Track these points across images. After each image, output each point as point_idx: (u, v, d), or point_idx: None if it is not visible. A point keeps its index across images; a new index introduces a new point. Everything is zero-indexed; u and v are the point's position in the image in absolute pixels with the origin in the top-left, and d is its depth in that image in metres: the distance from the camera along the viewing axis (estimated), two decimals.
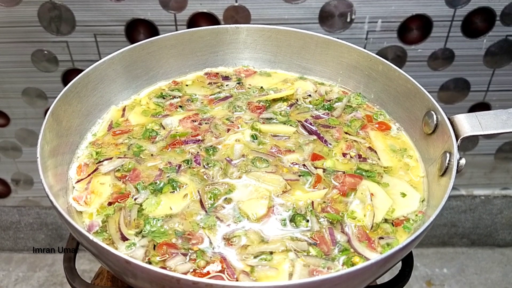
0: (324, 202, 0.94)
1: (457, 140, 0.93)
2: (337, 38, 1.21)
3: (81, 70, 1.08)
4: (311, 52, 1.25)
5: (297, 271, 0.82)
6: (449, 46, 1.63)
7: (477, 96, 1.78)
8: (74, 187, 0.98)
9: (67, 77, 1.66)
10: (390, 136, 1.12)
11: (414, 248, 0.85)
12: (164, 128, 1.11)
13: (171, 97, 1.21)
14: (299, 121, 1.13)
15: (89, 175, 1.00)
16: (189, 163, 1.01)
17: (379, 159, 1.05)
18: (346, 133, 1.10)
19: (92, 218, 0.92)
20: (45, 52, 1.60)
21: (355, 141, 1.08)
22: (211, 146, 1.05)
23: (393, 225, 0.92)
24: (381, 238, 0.89)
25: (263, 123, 1.12)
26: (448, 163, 0.92)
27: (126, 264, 0.72)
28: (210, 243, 0.86)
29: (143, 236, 0.88)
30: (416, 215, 0.94)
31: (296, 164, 1.02)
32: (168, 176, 0.98)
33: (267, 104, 1.18)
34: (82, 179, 0.99)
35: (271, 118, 1.14)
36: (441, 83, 1.73)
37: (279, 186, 0.97)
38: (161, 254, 0.85)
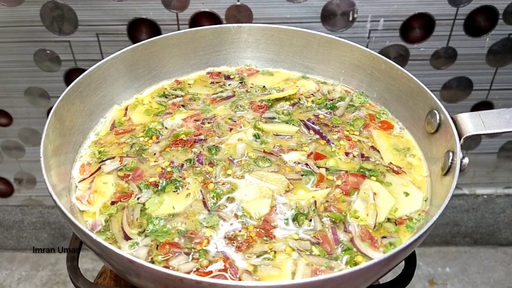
0: (327, 201, 0.94)
1: (460, 139, 0.92)
2: (340, 37, 1.21)
3: (84, 70, 1.08)
4: (313, 51, 1.25)
5: (300, 270, 0.82)
6: (452, 45, 1.63)
7: (480, 95, 1.77)
8: (77, 187, 0.98)
9: (69, 76, 1.66)
10: (393, 135, 1.12)
11: (417, 247, 0.85)
12: (166, 128, 1.11)
13: (174, 96, 1.21)
14: (301, 120, 1.13)
15: (92, 174, 1.00)
16: (192, 162, 1.01)
17: (382, 158, 1.05)
18: (348, 131, 1.10)
19: (95, 217, 0.92)
20: (48, 51, 1.61)
21: (358, 140, 1.08)
22: (214, 145, 1.05)
23: (396, 225, 0.92)
24: (384, 237, 0.89)
25: (266, 122, 1.12)
26: (451, 162, 0.92)
27: (129, 264, 0.73)
28: (213, 242, 0.87)
29: (146, 236, 0.88)
30: (419, 214, 0.94)
31: (299, 163, 1.02)
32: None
33: (270, 104, 1.18)
34: (85, 179, 0.99)
35: (273, 118, 1.14)
36: (443, 82, 1.73)
37: (281, 185, 0.96)
38: (164, 253, 0.85)
